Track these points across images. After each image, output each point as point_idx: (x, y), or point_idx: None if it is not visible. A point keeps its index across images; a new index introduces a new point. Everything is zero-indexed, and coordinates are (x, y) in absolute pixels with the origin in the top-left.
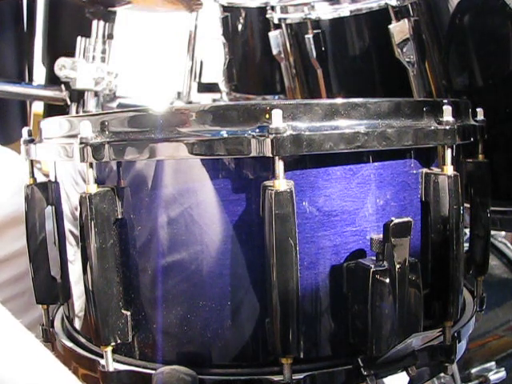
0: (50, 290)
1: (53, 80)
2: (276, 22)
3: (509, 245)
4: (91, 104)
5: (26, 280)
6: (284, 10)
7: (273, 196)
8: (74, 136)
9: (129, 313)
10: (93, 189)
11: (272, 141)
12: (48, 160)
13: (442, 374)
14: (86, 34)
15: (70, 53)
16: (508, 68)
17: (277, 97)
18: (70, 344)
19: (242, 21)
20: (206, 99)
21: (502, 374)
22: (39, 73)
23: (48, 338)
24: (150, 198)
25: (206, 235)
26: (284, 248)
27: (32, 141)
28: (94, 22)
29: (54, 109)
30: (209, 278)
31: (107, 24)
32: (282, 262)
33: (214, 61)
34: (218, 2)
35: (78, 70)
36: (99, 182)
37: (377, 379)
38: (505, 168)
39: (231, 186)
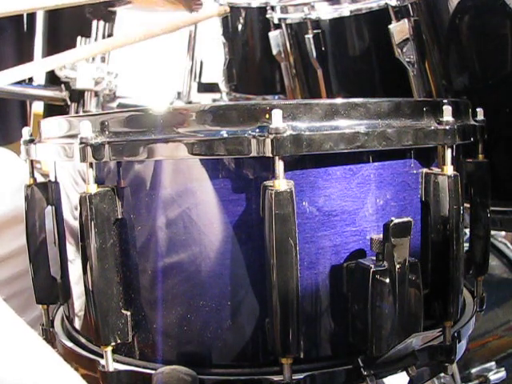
0: (50, 289)
1: (53, 80)
2: (276, 21)
3: (509, 245)
4: (91, 104)
5: (25, 279)
6: (284, 10)
7: (273, 196)
8: (74, 136)
9: (129, 313)
10: (93, 189)
11: (272, 141)
12: (48, 160)
13: (442, 374)
14: (86, 34)
15: None
16: (508, 68)
17: (277, 97)
18: (69, 344)
19: (241, 21)
20: (206, 99)
21: (502, 374)
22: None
23: (48, 338)
24: (150, 198)
25: (206, 235)
26: (284, 248)
27: (32, 141)
28: (94, 22)
29: (54, 109)
30: (209, 278)
31: (107, 24)
32: (282, 262)
33: (214, 61)
34: (217, 2)
35: (78, 69)
36: (99, 181)
37: (377, 379)
38: (505, 168)
39: (231, 186)
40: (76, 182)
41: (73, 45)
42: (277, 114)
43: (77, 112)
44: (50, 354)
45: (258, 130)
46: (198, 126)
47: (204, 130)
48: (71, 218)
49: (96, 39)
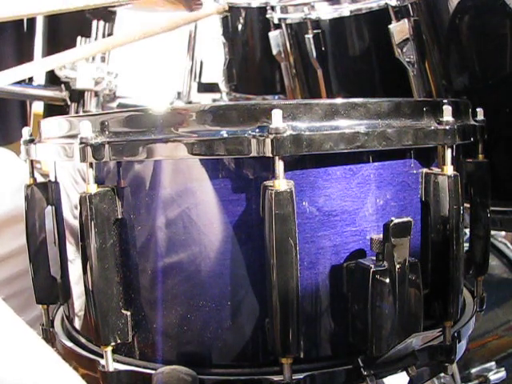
0: (49, 289)
1: (53, 80)
2: (276, 21)
3: (509, 245)
4: (91, 104)
5: (24, 279)
6: (284, 10)
7: (273, 196)
8: (74, 136)
9: (129, 313)
10: (93, 189)
11: (272, 141)
12: (48, 160)
13: (442, 374)
14: (86, 33)
15: None
16: (508, 68)
17: (277, 97)
18: (69, 344)
19: (241, 21)
20: (206, 99)
21: (502, 374)
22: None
23: (48, 338)
24: (150, 198)
25: (206, 235)
26: (284, 248)
27: (32, 141)
28: (94, 22)
29: (54, 109)
30: (209, 278)
31: (107, 24)
32: (282, 262)
33: (214, 61)
34: (217, 1)
35: (78, 70)
36: (99, 181)
37: (377, 379)
38: (505, 168)
39: (231, 186)
40: (76, 182)
41: (73, 45)
42: (277, 114)
43: (77, 112)
44: (49, 354)
45: (257, 130)
46: (197, 126)
47: (204, 130)
48: (71, 217)
49: (96, 39)
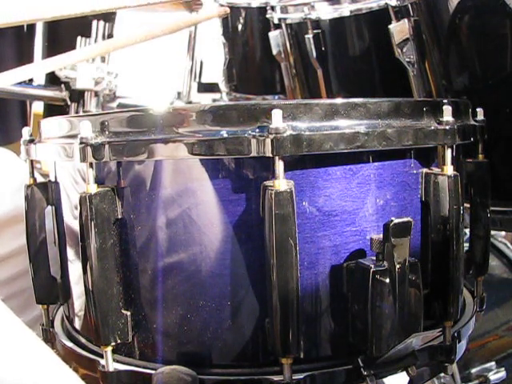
0: (49, 289)
1: (53, 80)
2: (276, 21)
3: (509, 245)
4: (91, 104)
5: (24, 279)
6: (284, 10)
7: (273, 196)
8: (74, 136)
9: (129, 313)
10: (93, 189)
11: (272, 141)
12: (48, 160)
13: (442, 374)
14: (86, 34)
15: None
16: (508, 68)
17: (277, 97)
18: (69, 344)
19: (241, 21)
20: (206, 99)
21: (502, 374)
22: None
23: (48, 338)
24: (150, 198)
25: (206, 235)
26: (284, 248)
27: (32, 141)
28: (94, 22)
29: (54, 109)
30: (209, 278)
31: (107, 24)
32: (282, 262)
33: (214, 61)
34: (217, 2)
35: (78, 70)
36: (99, 181)
37: (377, 379)
38: (505, 168)
39: (231, 186)
40: (76, 182)
41: (73, 45)
42: (277, 114)
43: (77, 112)
44: (48, 355)
45: (257, 130)
46: (198, 126)
47: (204, 129)
48: (71, 217)
49: (96, 39)
